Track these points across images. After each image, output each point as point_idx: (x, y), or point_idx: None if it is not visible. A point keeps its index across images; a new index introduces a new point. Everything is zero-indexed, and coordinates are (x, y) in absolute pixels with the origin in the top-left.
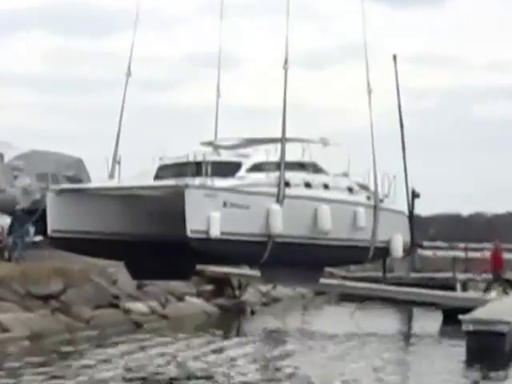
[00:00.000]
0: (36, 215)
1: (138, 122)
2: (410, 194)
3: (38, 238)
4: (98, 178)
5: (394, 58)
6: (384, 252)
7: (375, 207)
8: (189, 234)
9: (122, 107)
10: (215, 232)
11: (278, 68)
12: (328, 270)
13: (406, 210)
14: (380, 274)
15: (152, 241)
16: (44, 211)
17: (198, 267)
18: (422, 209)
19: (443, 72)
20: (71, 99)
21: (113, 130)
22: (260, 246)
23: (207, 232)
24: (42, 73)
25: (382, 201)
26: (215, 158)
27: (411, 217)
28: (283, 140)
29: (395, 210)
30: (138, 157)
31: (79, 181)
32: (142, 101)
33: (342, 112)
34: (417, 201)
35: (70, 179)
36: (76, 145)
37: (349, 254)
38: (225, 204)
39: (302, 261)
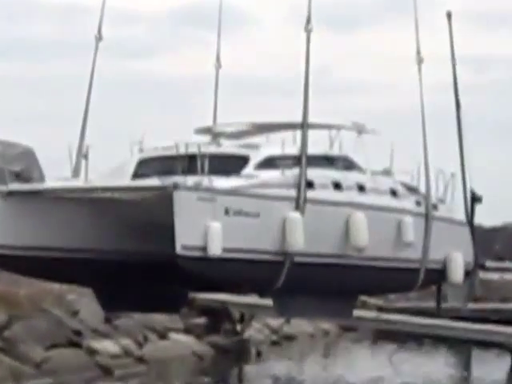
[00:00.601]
0: None
1: (111, 101)
2: (469, 198)
3: None
4: (56, 176)
5: (449, 16)
6: (438, 276)
7: (427, 216)
8: (179, 251)
9: (90, 83)
10: (215, 249)
11: (298, 28)
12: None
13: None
14: (429, 304)
15: (130, 261)
16: None
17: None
18: (485, 217)
19: None
20: (21, 68)
21: (77, 111)
22: (274, 267)
23: (204, 249)
24: None
25: (435, 207)
26: (214, 149)
27: (471, 227)
28: (305, 126)
29: (454, 219)
30: (110, 147)
31: (29, 178)
32: (115, 71)
33: (381, 88)
34: (478, 206)
35: (17, 176)
36: (26, 129)
37: (391, 279)
38: (227, 211)
39: (328, 287)
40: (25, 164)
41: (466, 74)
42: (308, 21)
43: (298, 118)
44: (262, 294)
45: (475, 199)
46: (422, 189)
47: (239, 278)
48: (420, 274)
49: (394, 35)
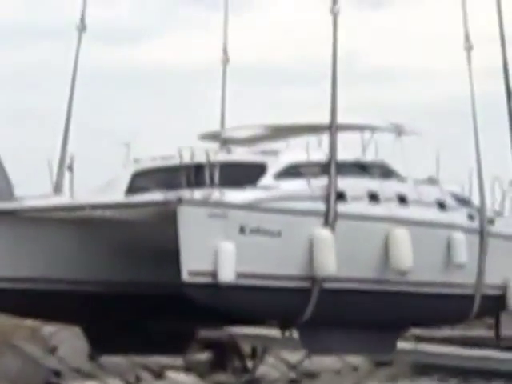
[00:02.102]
0: None
1: (94, 96)
2: None
3: None
4: (31, 193)
5: None
6: (497, 304)
7: (482, 232)
8: (185, 277)
9: (73, 81)
10: (227, 274)
11: (319, 7)
12: None
13: None
14: (478, 333)
15: (126, 293)
16: None
17: None
18: None
19: None
20: None
21: (52, 109)
22: (299, 295)
23: (214, 274)
24: None
25: (491, 222)
26: (224, 157)
27: None
28: (333, 127)
29: None
30: (94, 154)
31: None
32: (101, 60)
33: (419, 76)
34: None
35: None
36: None
37: (440, 309)
38: (242, 229)
39: (366, 319)
40: None
41: None
42: (334, 2)
43: (322, 117)
44: (285, 328)
45: None
46: (475, 200)
47: (257, 309)
48: (475, 302)
49: (431, 12)
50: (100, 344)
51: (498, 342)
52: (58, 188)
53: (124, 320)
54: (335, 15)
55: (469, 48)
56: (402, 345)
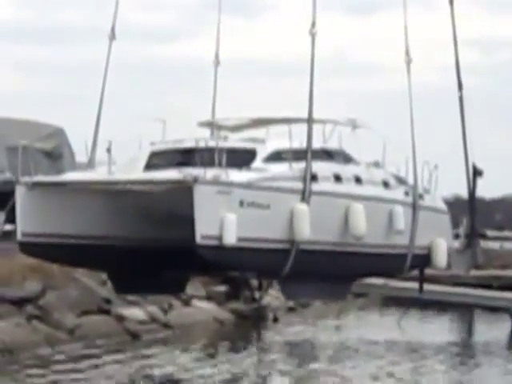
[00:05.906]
0: (12, 201)
1: (137, 85)
2: (471, 171)
3: (10, 228)
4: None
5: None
6: (423, 261)
7: (414, 206)
8: (198, 240)
9: (104, 78)
10: (230, 238)
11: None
12: None
13: (465, 190)
14: (433, 272)
15: (144, 247)
16: None
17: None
18: (487, 190)
19: None
20: (51, 52)
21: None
22: (282, 254)
23: (220, 238)
24: (12, 19)
25: (421, 197)
26: (222, 143)
27: (472, 199)
28: (310, 122)
29: (437, 208)
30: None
31: (60, 156)
32: (143, 55)
33: (379, 71)
34: (479, 180)
35: (49, 155)
36: (58, 111)
37: (383, 264)
38: (241, 203)
39: (329, 273)
40: (56, 143)
41: (476, 56)
42: (313, 25)
43: (297, 110)
44: (270, 279)
45: (477, 173)
46: (409, 180)
47: (251, 265)
48: (408, 259)
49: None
50: (121, 285)
51: (420, 289)
52: (91, 164)
53: (141, 267)
54: (313, 36)
55: (408, 61)
56: (375, 281)
